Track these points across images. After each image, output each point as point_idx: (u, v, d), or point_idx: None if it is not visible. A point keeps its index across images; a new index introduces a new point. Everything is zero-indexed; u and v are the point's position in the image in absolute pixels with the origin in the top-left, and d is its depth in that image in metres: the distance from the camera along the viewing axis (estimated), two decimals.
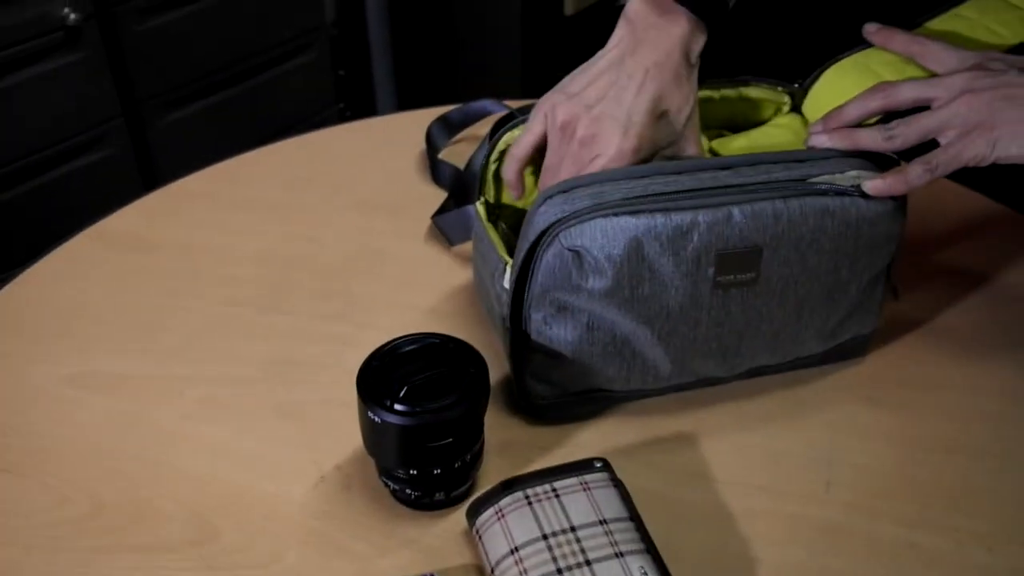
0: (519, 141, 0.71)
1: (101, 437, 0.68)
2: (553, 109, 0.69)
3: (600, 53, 0.70)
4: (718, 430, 0.68)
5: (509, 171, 0.72)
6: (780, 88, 0.76)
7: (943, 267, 0.81)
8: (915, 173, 0.61)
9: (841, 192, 0.61)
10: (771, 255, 0.61)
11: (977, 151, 0.61)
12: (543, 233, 0.60)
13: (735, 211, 0.60)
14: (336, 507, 0.63)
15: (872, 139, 0.64)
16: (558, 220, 0.60)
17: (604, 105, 0.67)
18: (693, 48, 0.69)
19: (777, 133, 0.75)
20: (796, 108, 0.77)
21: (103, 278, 0.81)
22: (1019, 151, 0.60)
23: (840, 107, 0.66)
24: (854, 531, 0.61)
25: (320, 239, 0.86)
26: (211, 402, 0.70)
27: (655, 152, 0.69)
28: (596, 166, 0.67)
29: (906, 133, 0.63)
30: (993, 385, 0.71)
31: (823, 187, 0.61)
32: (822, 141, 0.65)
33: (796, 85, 0.76)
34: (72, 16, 1.41)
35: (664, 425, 0.68)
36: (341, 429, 0.68)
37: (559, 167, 0.69)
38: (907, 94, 0.64)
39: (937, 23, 0.76)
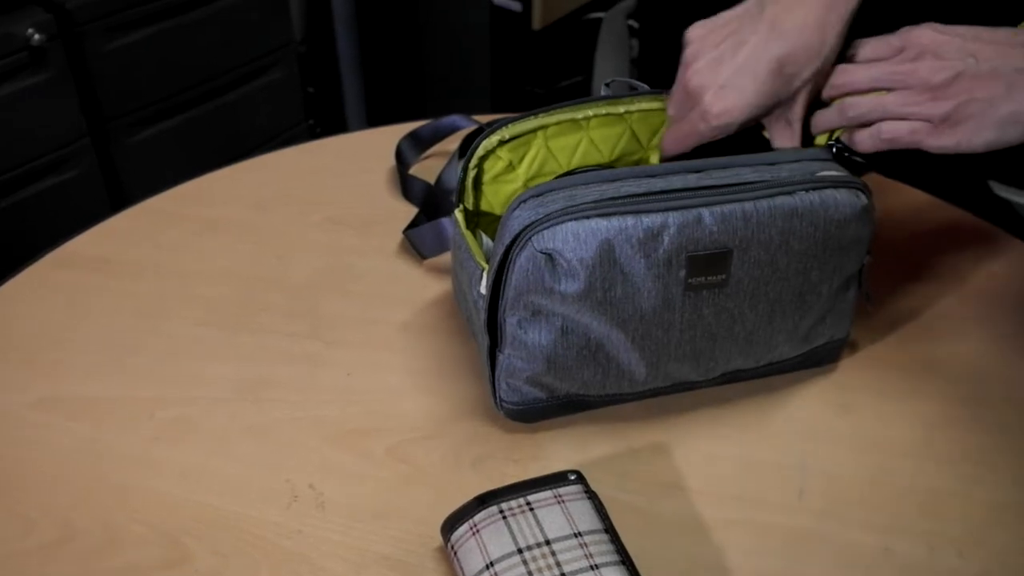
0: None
1: (70, 461, 0.67)
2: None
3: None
4: (691, 440, 0.68)
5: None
6: None
7: (916, 275, 0.82)
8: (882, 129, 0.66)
9: (810, 188, 0.62)
10: (741, 256, 0.62)
11: (942, 143, 0.63)
12: (517, 236, 0.60)
13: (705, 213, 0.60)
14: (310, 526, 0.62)
15: (828, 120, 0.69)
16: (531, 223, 0.60)
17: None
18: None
19: None
20: None
21: (70, 300, 0.81)
22: (983, 142, 0.62)
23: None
24: (827, 538, 0.61)
25: (290, 257, 0.85)
26: (182, 424, 0.69)
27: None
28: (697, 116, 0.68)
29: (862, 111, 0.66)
30: (964, 392, 0.71)
31: (791, 187, 0.62)
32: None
33: None
34: (36, 36, 1.39)
35: (638, 435, 0.68)
36: (313, 448, 0.67)
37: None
38: (863, 78, 0.67)
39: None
